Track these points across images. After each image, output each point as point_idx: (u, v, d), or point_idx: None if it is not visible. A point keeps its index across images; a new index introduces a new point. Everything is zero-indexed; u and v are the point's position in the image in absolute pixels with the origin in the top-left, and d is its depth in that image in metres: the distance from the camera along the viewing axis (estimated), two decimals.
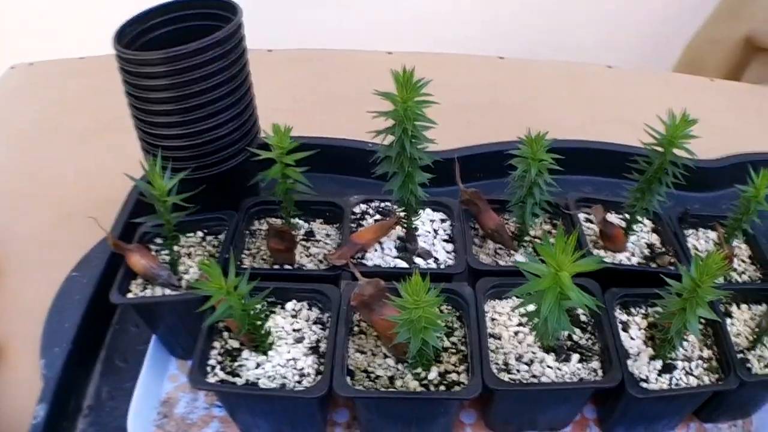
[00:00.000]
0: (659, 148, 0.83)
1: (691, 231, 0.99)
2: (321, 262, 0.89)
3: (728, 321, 0.87)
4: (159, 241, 0.89)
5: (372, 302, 0.77)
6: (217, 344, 0.80)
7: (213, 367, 0.78)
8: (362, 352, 0.81)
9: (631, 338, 0.84)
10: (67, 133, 1.28)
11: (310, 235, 0.92)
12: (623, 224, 0.94)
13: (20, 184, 1.18)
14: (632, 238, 0.95)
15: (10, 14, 2.02)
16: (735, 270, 0.94)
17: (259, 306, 0.76)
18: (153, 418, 0.85)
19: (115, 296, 0.83)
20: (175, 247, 0.87)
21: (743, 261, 0.96)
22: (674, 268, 0.90)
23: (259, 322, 0.78)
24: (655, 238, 0.96)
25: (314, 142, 0.94)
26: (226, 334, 0.82)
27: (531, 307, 0.76)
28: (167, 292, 0.84)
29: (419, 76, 0.74)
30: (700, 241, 0.98)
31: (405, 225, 0.89)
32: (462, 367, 0.79)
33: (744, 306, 0.89)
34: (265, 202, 0.92)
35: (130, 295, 0.84)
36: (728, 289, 0.88)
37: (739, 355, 0.84)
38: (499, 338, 0.83)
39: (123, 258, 0.85)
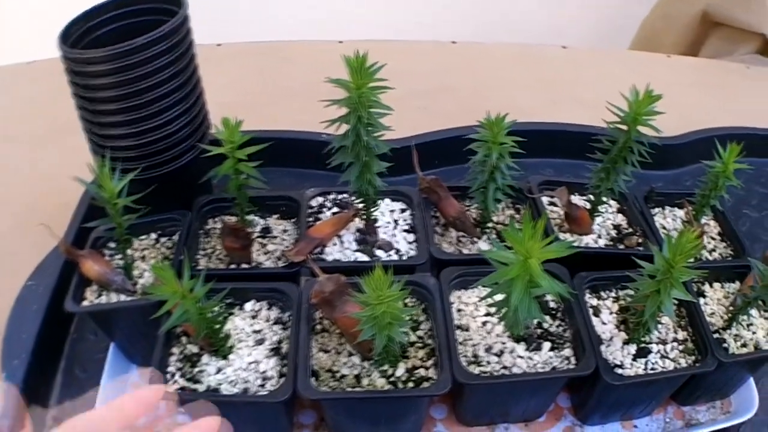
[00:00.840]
0: (623, 126, 0.80)
1: (657, 210, 0.96)
2: (279, 259, 0.85)
3: (702, 301, 0.84)
4: (112, 245, 0.85)
5: (333, 299, 0.73)
6: (175, 350, 0.76)
7: (173, 374, 0.74)
8: (326, 351, 0.77)
9: (603, 323, 0.81)
10: (19, 140, 1.23)
11: (266, 231, 0.88)
12: (588, 206, 0.90)
13: None
14: (598, 219, 0.91)
15: None
16: (705, 248, 0.91)
17: (216, 308, 0.73)
18: None
19: (70, 305, 0.79)
20: (129, 251, 0.82)
21: (713, 238, 0.93)
22: (642, 248, 0.86)
23: (217, 326, 0.74)
24: (621, 219, 0.93)
25: (266, 135, 0.89)
26: (184, 339, 0.77)
27: (499, 297, 0.72)
28: (123, 298, 0.80)
29: (371, 64, 0.70)
30: (668, 219, 0.95)
31: (364, 216, 0.85)
32: (430, 362, 0.75)
33: (717, 284, 0.86)
34: (219, 200, 0.88)
35: (85, 303, 0.80)
36: (702, 267, 0.85)
37: (715, 336, 0.81)
38: (467, 329, 0.79)
39: (77, 265, 0.80)
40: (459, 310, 0.81)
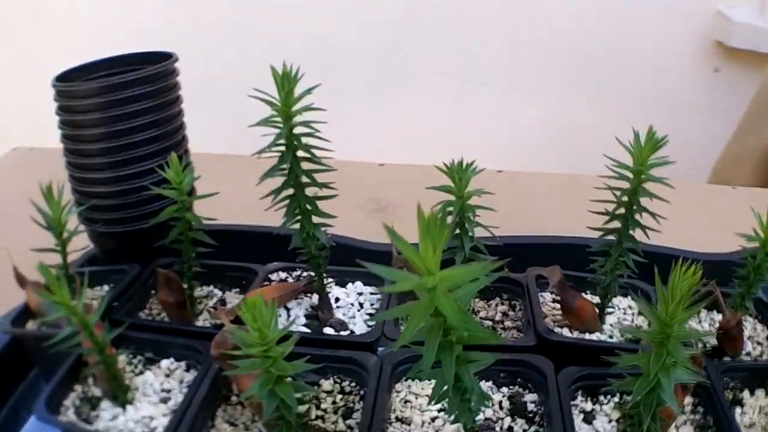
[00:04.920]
0: (628, 173, 0.59)
1: None
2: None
3: (739, 410, 0.58)
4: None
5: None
6: (78, 388, 0.62)
7: (67, 408, 0.60)
8: (232, 424, 0.59)
9: (597, 431, 0.55)
10: None
11: (222, 303, 0.74)
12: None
13: None
14: (611, 319, 0.67)
15: None
16: (749, 354, 0.63)
17: (108, 339, 0.59)
18: None
19: (7, 326, 0.69)
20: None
21: (759, 343, 0.66)
22: None
23: (115, 367, 0.60)
24: (642, 321, 0.67)
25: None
26: (91, 380, 0.63)
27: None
28: None
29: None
30: (703, 324, 0.68)
31: (316, 288, 0.68)
32: None
33: (760, 391, 0.60)
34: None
35: None
36: (737, 368, 0.58)
37: None
38: (409, 423, 0.57)
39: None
40: (406, 401, 0.59)
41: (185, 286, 0.71)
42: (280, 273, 0.76)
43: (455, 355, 0.47)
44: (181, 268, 0.71)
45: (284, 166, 0.60)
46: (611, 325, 0.67)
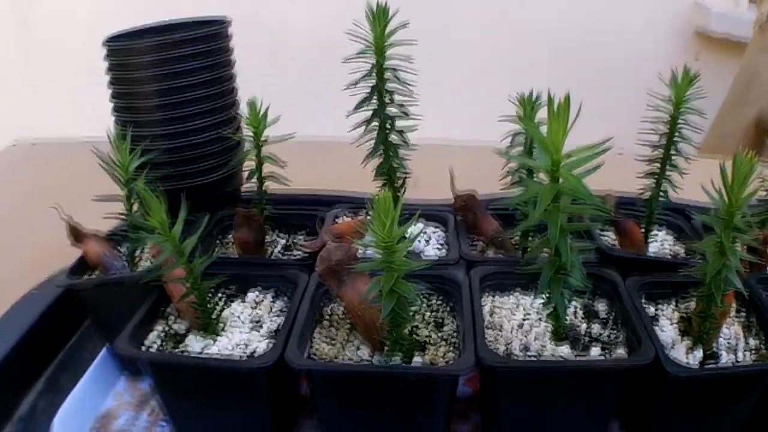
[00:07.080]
0: (668, 106, 0.66)
1: None
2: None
3: None
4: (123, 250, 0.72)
5: (341, 271, 0.57)
6: (159, 326, 0.61)
7: (149, 347, 0.58)
8: (330, 344, 0.59)
9: (662, 331, 0.60)
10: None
11: (287, 249, 0.74)
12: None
13: None
14: (653, 246, 0.73)
15: None
16: None
17: (202, 265, 0.58)
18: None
19: (63, 279, 0.66)
20: (139, 251, 0.70)
21: None
22: None
23: (208, 296, 0.59)
24: (679, 248, 0.73)
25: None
26: (172, 318, 0.62)
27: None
28: None
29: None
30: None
31: None
32: (452, 355, 0.56)
33: None
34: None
35: None
36: None
37: None
38: (500, 329, 0.60)
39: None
40: (492, 313, 0.62)
41: None
42: (346, 217, 0.77)
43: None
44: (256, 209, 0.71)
45: (374, 99, 0.63)
46: (653, 252, 0.72)
